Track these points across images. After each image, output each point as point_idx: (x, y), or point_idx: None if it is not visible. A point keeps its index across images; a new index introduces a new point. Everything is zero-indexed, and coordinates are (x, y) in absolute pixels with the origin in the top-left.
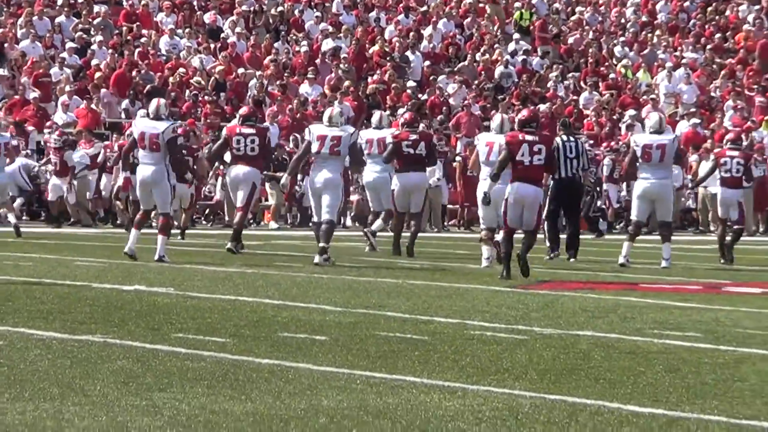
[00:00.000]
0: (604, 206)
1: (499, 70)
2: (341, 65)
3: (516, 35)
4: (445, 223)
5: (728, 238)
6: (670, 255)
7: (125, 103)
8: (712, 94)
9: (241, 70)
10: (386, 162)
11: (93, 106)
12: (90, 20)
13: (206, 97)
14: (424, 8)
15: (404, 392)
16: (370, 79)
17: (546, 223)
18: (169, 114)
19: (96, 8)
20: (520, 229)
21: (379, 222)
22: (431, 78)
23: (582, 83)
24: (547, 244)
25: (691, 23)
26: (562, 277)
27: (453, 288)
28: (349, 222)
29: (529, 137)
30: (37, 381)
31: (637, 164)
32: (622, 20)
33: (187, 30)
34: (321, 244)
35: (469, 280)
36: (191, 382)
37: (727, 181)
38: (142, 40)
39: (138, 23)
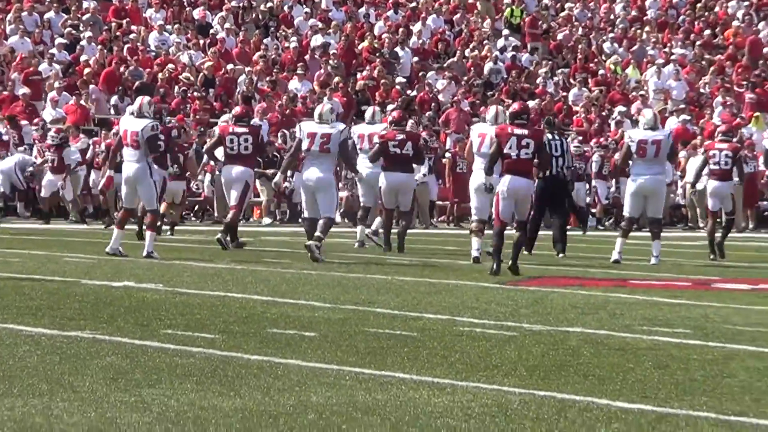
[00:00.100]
0: (590, 202)
1: (488, 66)
2: (330, 61)
3: (505, 31)
4: (434, 220)
5: (718, 234)
6: (660, 252)
7: (114, 99)
8: (702, 90)
9: (230, 66)
10: (372, 161)
11: (82, 102)
12: (79, 16)
13: (195, 93)
14: (414, 4)
15: (393, 388)
16: (359, 75)
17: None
18: (157, 111)
19: (85, 4)
20: (512, 223)
21: (378, 221)
22: (420, 74)
23: (571, 79)
24: None
25: (681, 19)
26: (552, 273)
27: (442, 284)
28: (338, 218)
29: (518, 131)
30: (26, 377)
31: (630, 160)
32: (612, 16)
33: (176, 26)
34: (317, 234)
35: (459, 277)
36: (180, 378)
37: (716, 173)
38: (131, 36)
39: (127, 19)
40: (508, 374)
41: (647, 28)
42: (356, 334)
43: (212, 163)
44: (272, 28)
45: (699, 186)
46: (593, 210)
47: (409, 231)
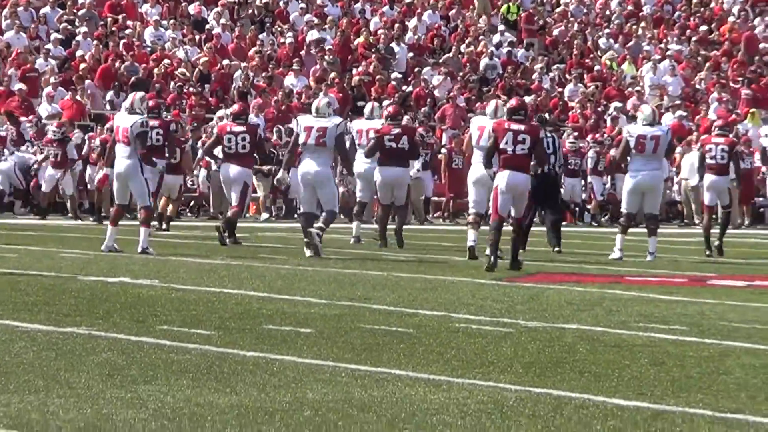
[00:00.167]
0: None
1: (484, 62)
2: (326, 57)
3: (501, 27)
4: (430, 216)
5: (715, 230)
6: (656, 248)
7: (110, 94)
8: (697, 86)
9: (225, 62)
10: (367, 156)
11: (78, 97)
12: (75, 11)
13: (191, 89)
14: (409, 0)
15: (389, 385)
16: (354, 71)
17: None
18: (156, 107)
19: None
20: (509, 219)
21: (356, 225)
22: (416, 70)
23: (567, 75)
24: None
25: (676, 15)
26: (548, 270)
27: (438, 280)
28: None
29: (514, 126)
30: (22, 373)
31: (628, 156)
32: (607, 12)
33: (171, 21)
34: (319, 225)
35: (455, 273)
36: (176, 375)
37: (713, 167)
38: (127, 31)
39: (123, 14)
40: (504, 371)
41: (643, 24)
42: (352, 331)
43: (208, 159)
44: (268, 24)
45: (692, 182)
46: (588, 206)
47: (404, 226)
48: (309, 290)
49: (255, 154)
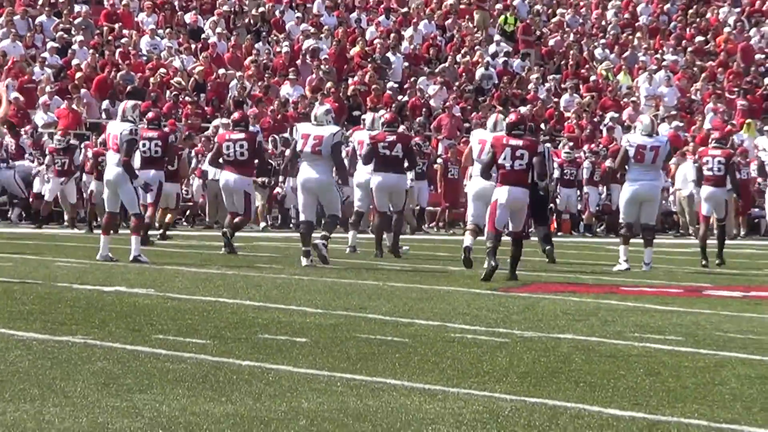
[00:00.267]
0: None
1: (479, 71)
2: (322, 66)
3: (497, 37)
4: (425, 226)
5: (711, 241)
6: (652, 259)
7: (106, 103)
8: (693, 96)
9: (221, 71)
10: (364, 163)
11: (74, 106)
12: (71, 20)
13: (187, 98)
14: (405, 9)
15: (385, 394)
16: (350, 81)
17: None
18: (156, 117)
19: (77, 8)
20: (506, 232)
21: (352, 235)
22: (412, 79)
23: (563, 85)
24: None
25: (672, 25)
26: (543, 280)
27: (434, 290)
28: None
29: (513, 141)
30: (17, 382)
31: (627, 165)
32: (603, 22)
33: (167, 30)
34: (323, 233)
35: (450, 283)
36: (172, 384)
37: (710, 179)
38: (123, 40)
39: (119, 23)
40: (500, 381)
41: (639, 34)
42: (347, 340)
43: (213, 168)
44: (264, 33)
45: (685, 192)
46: (583, 216)
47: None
48: (304, 300)
49: (255, 163)
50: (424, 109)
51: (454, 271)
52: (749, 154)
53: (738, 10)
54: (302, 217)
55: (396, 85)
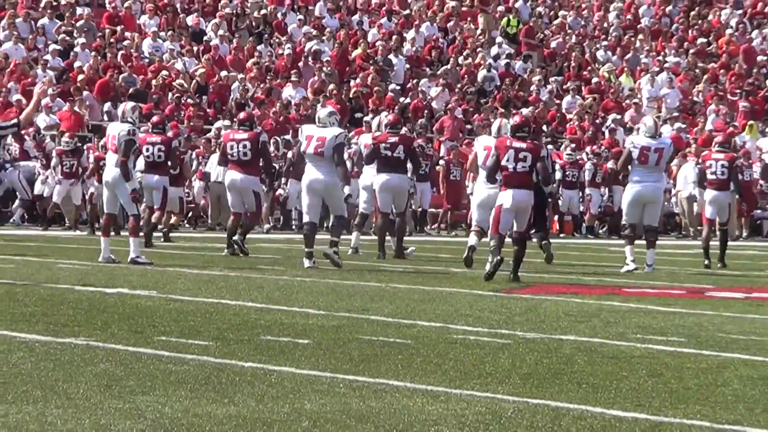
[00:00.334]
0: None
1: (481, 73)
2: (324, 68)
3: (499, 39)
4: (427, 227)
5: (714, 243)
6: (654, 260)
7: (108, 105)
8: (695, 98)
9: (223, 73)
10: (367, 164)
11: (76, 108)
12: (73, 22)
13: (189, 100)
14: (407, 12)
15: (387, 396)
16: (352, 83)
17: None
18: (160, 122)
19: (79, 10)
20: (510, 234)
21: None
22: (414, 81)
23: (565, 87)
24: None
25: (674, 27)
26: (545, 281)
27: (436, 292)
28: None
29: (516, 144)
30: (20, 384)
31: (630, 166)
32: (605, 24)
33: (170, 33)
34: (332, 239)
35: (453, 284)
36: (174, 386)
37: (713, 183)
38: (125, 42)
39: (121, 26)
40: (502, 382)
41: (641, 36)
42: (350, 342)
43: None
44: (266, 35)
45: (684, 194)
46: (585, 218)
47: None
48: (307, 301)
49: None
50: (426, 111)
51: (456, 273)
52: (752, 156)
53: (740, 11)
54: (306, 219)
55: (398, 87)
